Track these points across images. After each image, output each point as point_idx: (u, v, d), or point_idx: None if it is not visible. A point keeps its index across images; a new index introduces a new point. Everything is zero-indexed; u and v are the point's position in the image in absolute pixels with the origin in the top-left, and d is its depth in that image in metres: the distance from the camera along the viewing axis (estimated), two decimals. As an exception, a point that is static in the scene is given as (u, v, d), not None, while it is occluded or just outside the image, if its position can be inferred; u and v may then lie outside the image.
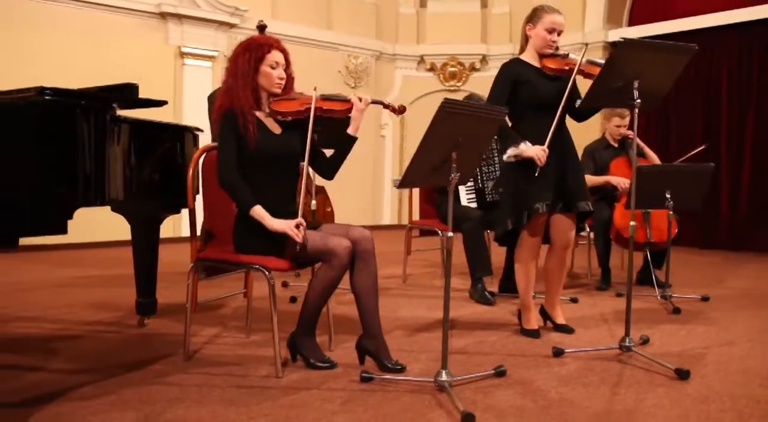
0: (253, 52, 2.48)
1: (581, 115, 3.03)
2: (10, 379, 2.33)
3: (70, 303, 3.69)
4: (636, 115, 2.67)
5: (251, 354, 2.69)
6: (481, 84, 8.71)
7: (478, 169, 4.18)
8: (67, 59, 5.93)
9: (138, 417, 1.98)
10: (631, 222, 2.75)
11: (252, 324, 3.01)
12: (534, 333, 3.07)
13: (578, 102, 2.90)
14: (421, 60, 9.10)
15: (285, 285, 4.28)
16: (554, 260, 3.15)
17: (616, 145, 4.56)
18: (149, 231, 3.03)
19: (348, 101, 2.59)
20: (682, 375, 2.42)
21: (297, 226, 2.35)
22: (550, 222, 3.10)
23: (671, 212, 3.81)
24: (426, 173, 2.20)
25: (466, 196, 4.24)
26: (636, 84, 2.59)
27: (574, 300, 3.87)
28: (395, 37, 9.01)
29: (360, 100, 2.60)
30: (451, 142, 2.16)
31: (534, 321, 3.14)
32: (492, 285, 4.10)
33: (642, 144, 4.63)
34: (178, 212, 3.07)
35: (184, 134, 2.82)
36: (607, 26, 7.88)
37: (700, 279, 4.77)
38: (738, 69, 6.67)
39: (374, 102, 2.71)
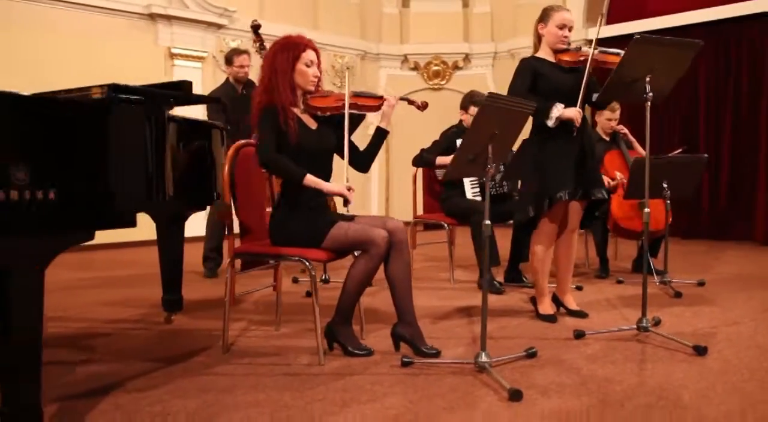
0: (290, 51, 2.56)
1: (598, 105, 3.19)
2: (63, 374, 2.36)
3: (87, 302, 3.71)
4: (648, 108, 2.82)
5: (287, 345, 2.77)
6: (464, 82, 8.89)
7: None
8: (60, 60, 5.88)
9: (199, 404, 2.05)
10: (646, 210, 2.90)
11: (273, 316, 3.09)
12: (551, 318, 3.21)
13: (595, 95, 3.04)
14: (405, 59, 9.22)
15: (295, 281, 4.35)
16: (563, 243, 3.30)
17: (607, 139, 4.74)
18: (176, 229, 3.08)
19: (380, 97, 2.70)
20: (700, 351, 2.58)
21: (348, 189, 2.52)
22: (564, 209, 3.23)
23: (668, 201, 4.00)
24: (465, 165, 2.32)
25: (471, 190, 4.36)
26: (648, 78, 2.75)
27: (579, 288, 4.02)
28: (379, 37, 9.11)
29: (388, 98, 2.73)
30: (489, 134, 2.28)
31: (549, 306, 3.28)
32: (497, 275, 4.23)
33: (631, 138, 4.83)
34: (203, 209, 3.13)
35: (212, 131, 2.88)
36: (587, 25, 8.10)
37: (690, 266, 4.98)
38: (715, 66, 6.94)
39: (401, 99, 2.82)
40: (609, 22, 8.11)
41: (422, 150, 4.37)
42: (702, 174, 4.00)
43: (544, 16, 3.16)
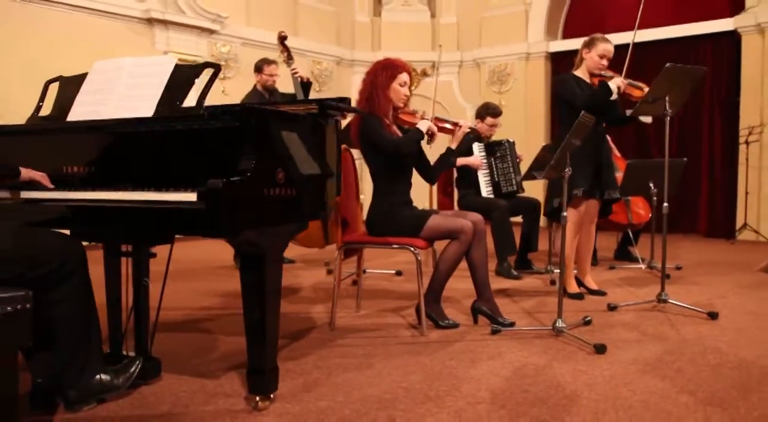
0: (389, 71, 3.03)
1: (618, 122, 3.79)
2: (209, 349, 2.73)
3: (178, 291, 3.98)
4: (667, 122, 3.47)
5: (379, 322, 3.22)
6: (432, 88, 9.48)
7: (494, 166, 4.90)
8: (60, 61, 5.94)
9: (356, 365, 2.49)
10: (665, 204, 3.55)
11: (345, 299, 3.53)
12: (579, 296, 3.81)
13: (628, 111, 3.63)
14: (376, 65, 9.70)
15: (330, 272, 4.77)
16: (584, 234, 3.91)
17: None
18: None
19: (456, 123, 3.25)
20: (713, 316, 3.25)
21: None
22: (582, 205, 3.83)
23: (655, 198, 4.72)
24: (551, 168, 2.86)
25: (485, 189, 4.93)
26: (668, 98, 3.40)
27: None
28: (353, 44, 9.56)
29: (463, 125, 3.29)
30: (572, 146, 2.83)
31: (575, 285, 3.89)
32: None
33: (612, 145, 5.56)
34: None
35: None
36: (547, 38, 8.88)
37: (657, 255, 5.76)
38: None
39: (470, 128, 3.39)
40: (568, 36, 8.95)
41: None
42: (682, 175, 4.73)
43: (590, 42, 3.73)
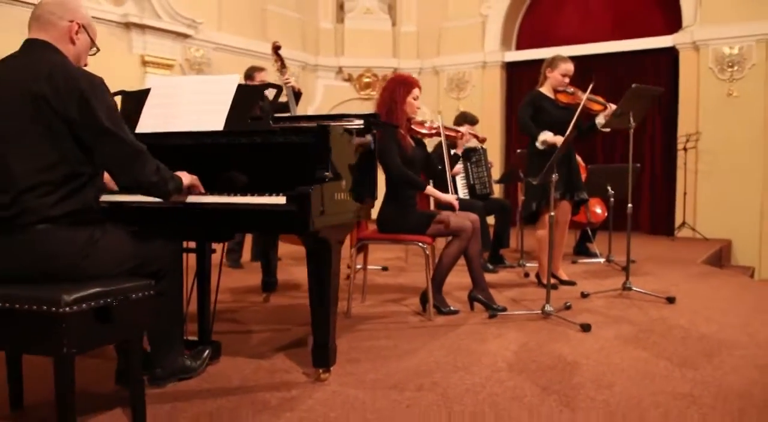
0: (405, 86, 3.42)
1: (583, 134, 4.29)
2: (249, 335, 3.04)
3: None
4: (631, 133, 4.00)
5: (387, 311, 3.60)
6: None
7: (470, 170, 5.36)
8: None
9: (382, 345, 2.86)
10: (629, 205, 4.07)
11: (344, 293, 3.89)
12: (553, 286, 4.30)
13: (599, 121, 4.13)
14: (340, 71, 10.06)
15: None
16: (558, 232, 4.41)
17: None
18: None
19: (458, 131, 3.68)
20: (671, 300, 3.80)
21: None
22: (558, 206, 4.33)
23: (612, 199, 5.29)
24: (543, 173, 3.31)
25: (461, 191, 5.38)
26: (631, 113, 3.92)
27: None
28: (317, 50, 9.87)
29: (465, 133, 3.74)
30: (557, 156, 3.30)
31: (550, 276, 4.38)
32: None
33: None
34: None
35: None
36: (503, 48, 9.45)
37: (614, 249, 6.37)
38: (609, 91, 8.51)
39: (472, 134, 3.83)
40: (521, 47, 9.55)
41: None
42: (636, 179, 5.32)
43: (552, 63, 4.23)
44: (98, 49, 2.11)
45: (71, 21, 1.98)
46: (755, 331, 3.14)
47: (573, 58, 4.28)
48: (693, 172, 7.70)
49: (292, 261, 5.54)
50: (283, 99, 5.34)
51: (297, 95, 5.27)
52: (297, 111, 4.80)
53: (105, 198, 2.14)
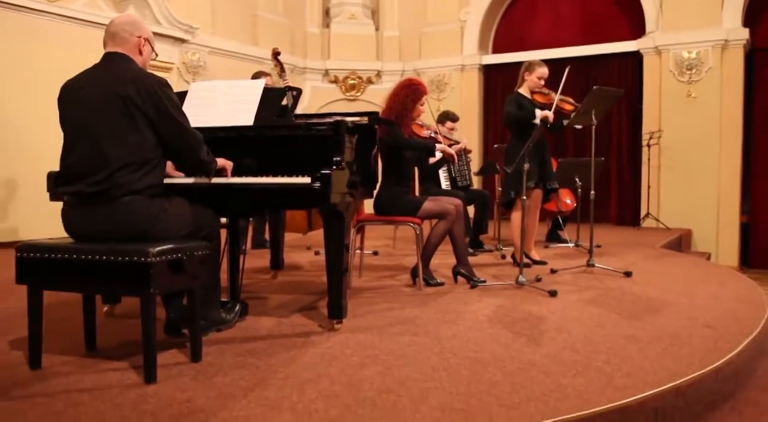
0: (415, 93, 3.96)
1: (554, 129, 4.86)
2: (263, 301, 3.53)
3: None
4: (593, 130, 4.57)
5: (382, 284, 4.12)
6: (377, 95, 10.43)
7: (452, 165, 5.91)
8: (48, 67, 6.48)
9: (367, 310, 3.38)
10: (592, 192, 4.65)
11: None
12: (526, 265, 4.86)
13: (565, 121, 4.71)
14: (326, 73, 10.57)
15: (317, 253, 5.61)
16: (530, 217, 4.98)
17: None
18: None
19: (457, 142, 4.27)
20: (629, 274, 4.38)
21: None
22: (531, 194, 4.89)
23: (579, 190, 5.87)
24: (516, 162, 3.87)
25: (444, 182, 5.93)
26: (593, 111, 4.50)
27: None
28: (305, 53, 10.37)
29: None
30: (528, 147, 3.86)
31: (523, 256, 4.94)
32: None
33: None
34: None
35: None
36: (480, 52, 10.04)
37: (581, 236, 6.97)
38: (580, 93, 9.15)
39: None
40: (498, 51, 10.15)
41: None
42: (601, 172, 5.91)
43: (530, 67, 4.79)
44: (157, 55, 2.62)
45: (139, 36, 2.49)
46: (695, 295, 3.73)
47: (546, 61, 4.86)
48: (656, 166, 8.35)
49: (286, 249, 6.04)
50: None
51: (295, 98, 5.78)
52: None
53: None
